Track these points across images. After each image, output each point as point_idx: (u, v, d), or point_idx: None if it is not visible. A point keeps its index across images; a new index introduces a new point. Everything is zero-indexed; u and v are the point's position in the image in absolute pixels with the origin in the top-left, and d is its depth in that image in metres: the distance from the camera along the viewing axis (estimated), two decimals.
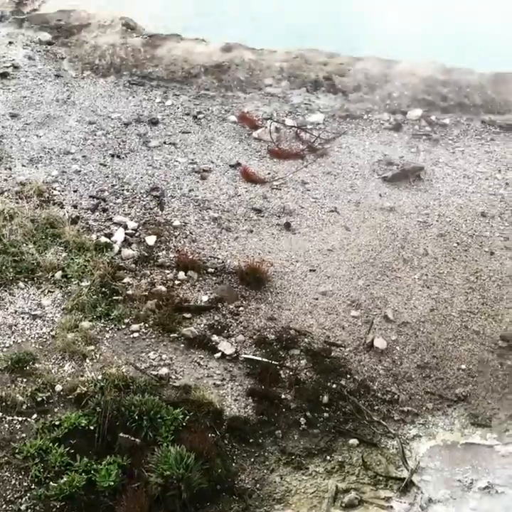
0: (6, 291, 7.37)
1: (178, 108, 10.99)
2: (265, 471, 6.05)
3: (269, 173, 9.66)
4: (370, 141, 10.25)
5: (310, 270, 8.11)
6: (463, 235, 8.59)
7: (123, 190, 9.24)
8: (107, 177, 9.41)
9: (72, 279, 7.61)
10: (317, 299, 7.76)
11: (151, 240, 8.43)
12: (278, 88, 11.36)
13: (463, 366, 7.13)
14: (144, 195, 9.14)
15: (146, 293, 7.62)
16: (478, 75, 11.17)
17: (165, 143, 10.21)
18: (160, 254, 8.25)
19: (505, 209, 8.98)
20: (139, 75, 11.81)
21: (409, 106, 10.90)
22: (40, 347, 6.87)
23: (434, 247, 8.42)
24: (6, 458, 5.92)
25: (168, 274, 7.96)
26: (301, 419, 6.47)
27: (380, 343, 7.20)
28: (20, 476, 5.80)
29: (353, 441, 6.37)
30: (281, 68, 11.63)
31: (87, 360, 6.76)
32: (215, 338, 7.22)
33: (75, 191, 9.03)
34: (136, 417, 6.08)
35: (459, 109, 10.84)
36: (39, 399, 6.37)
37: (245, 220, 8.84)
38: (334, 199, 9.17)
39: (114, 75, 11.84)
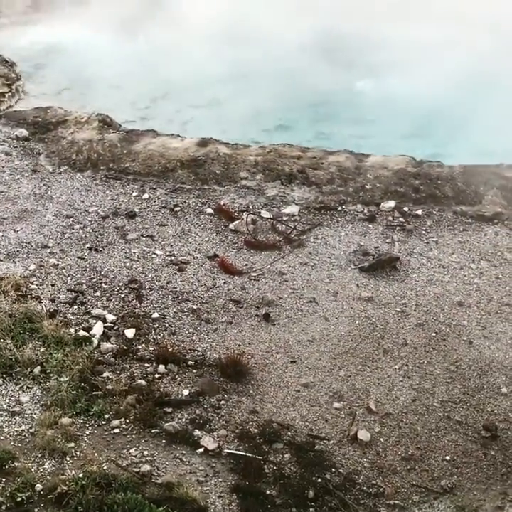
0: None
1: (155, 201, 11.12)
2: None
3: (246, 265, 9.74)
4: (345, 232, 10.42)
5: (291, 361, 8.10)
6: (441, 325, 8.67)
7: (101, 283, 9.24)
8: (85, 270, 9.42)
9: (51, 375, 7.50)
10: (299, 390, 7.72)
11: (130, 333, 8.38)
12: (253, 181, 11.56)
13: (447, 457, 7.08)
14: (123, 288, 9.14)
15: (126, 387, 7.53)
16: (448, 168, 11.49)
17: (142, 235, 10.28)
18: (139, 347, 8.19)
19: (481, 298, 9.10)
20: (116, 170, 11.96)
21: (382, 197, 11.12)
22: (19, 445, 6.71)
23: (413, 337, 8.47)
24: None
25: (148, 367, 7.89)
26: None
27: (363, 435, 7.14)
28: None
29: None
30: (256, 162, 11.87)
31: (68, 458, 6.60)
32: (197, 432, 7.12)
33: (52, 285, 9.00)
34: None
35: (431, 201, 11.10)
36: (19, 499, 6.18)
37: (224, 311, 8.85)
38: (312, 289, 9.24)
39: (91, 170, 11.99)
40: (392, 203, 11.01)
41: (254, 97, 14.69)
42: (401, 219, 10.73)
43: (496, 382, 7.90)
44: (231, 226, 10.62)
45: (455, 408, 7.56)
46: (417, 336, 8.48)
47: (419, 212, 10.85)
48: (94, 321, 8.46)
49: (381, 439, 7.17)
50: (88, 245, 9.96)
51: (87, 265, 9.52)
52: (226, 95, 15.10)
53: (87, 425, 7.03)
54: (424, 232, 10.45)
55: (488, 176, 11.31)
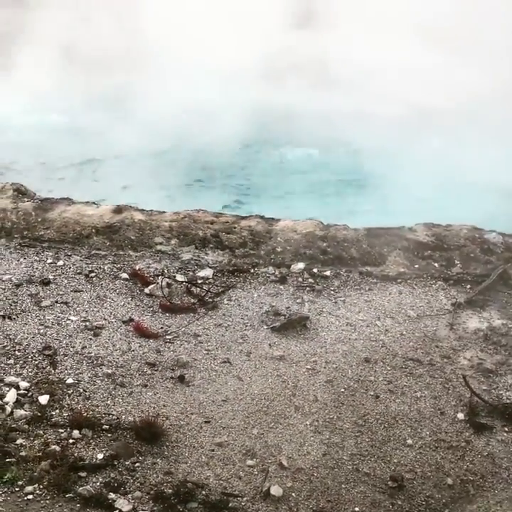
0: None
1: (69, 268, 11.24)
2: None
3: (161, 328, 9.93)
4: (257, 293, 10.74)
5: (205, 422, 8.27)
6: (349, 381, 9.01)
7: (15, 350, 9.26)
8: None
9: None
10: (213, 450, 7.88)
11: (44, 399, 8.42)
12: (168, 246, 11.83)
13: (356, 509, 7.32)
14: (36, 355, 9.19)
15: (40, 453, 7.55)
16: (354, 231, 12.02)
17: (57, 302, 10.36)
18: (54, 413, 8.23)
19: (387, 354, 9.51)
20: (31, 238, 12.05)
21: (292, 260, 11.54)
22: None
23: (323, 393, 8.77)
24: None
25: (62, 433, 7.93)
26: None
27: (276, 490, 7.33)
28: None
29: None
30: (170, 227, 12.16)
31: None
32: (111, 495, 7.18)
33: None
34: None
35: (338, 262, 11.57)
36: None
37: (139, 374, 8.98)
38: (226, 350, 9.48)
39: (4, 239, 12.04)
40: (301, 265, 11.42)
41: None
42: (310, 280, 11.13)
43: (402, 434, 8.24)
44: (146, 290, 10.81)
45: (363, 460, 7.84)
46: (327, 392, 8.78)
47: (328, 273, 11.28)
48: (8, 389, 8.47)
49: (293, 494, 7.38)
50: (1, 313, 9.97)
51: (0, 333, 9.52)
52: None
53: (0, 492, 7.00)
54: (332, 292, 10.86)
55: (391, 237, 11.88)
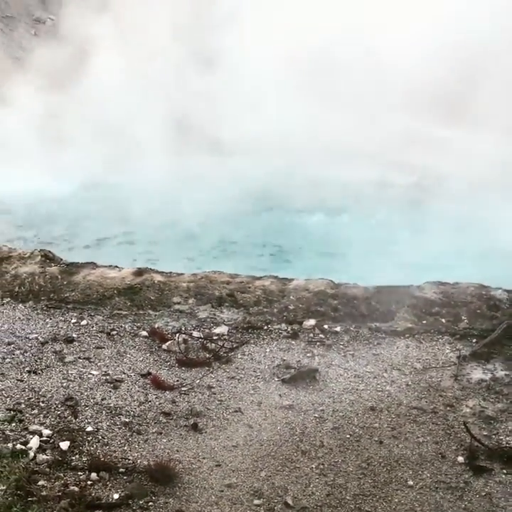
0: None
1: (92, 327, 11.87)
2: None
3: (177, 380, 10.46)
4: (270, 348, 11.25)
5: (216, 465, 8.71)
6: (355, 427, 9.42)
7: (39, 402, 9.83)
8: (24, 391, 10.01)
9: None
10: (222, 490, 8.31)
11: (64, 445, 8.94)
12: (185, 305, 12.44)
13: None
14: (59, 406, 9.75)
15: (60, 493, 8.03)
16: (363, 289, 12.55)
17: (80, 358, 10.96)
18: (73, 458, 8.74)
19: (392, 403, 9.92)
20: (56, 299, 12.74)
21: (304, 317, 12.06)
22: None
23: (329, 439, 9.19)
24: None
25: (80, 475, 8.43)
26: None
27: None
28: None
29: None
30: (188, 288, 12.79)
31: None
32: None
33: None
34: None
35: (348, 318, 12.07)
36: None
37: (155, 423, 9.49)
38: (238, 400, 9.96)
39: (32, 301, 12.75)
40: (312, 322, 11.94)
41: None
42: (321, 335, 11.63)
43: (404, 475, 8.60)
44: (164, 346, 11.39)
45: (365, 500, 8.21)
46: (333, 438, 9.19)
47: (338, 329, 11.78)
48: (31, 436, 9.01)
49: None
50: (27, 368, 10.58)
51: (26, 386, 10.12)
52: None
53: None
54: (341, 346, 11.34)
55: (399, 295, 12.37)
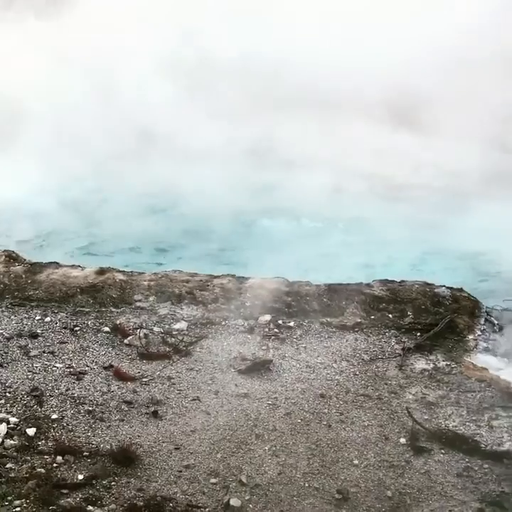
0: None
1: (56, 323, 12.34)
2: None
3: (139, 372, 11.01)
4: (227, 342, 11.86)
5: (175, 448, 9.31)
6: (305, 413, 10.08)
7: (5, 392, 10.31)
8: None
9: None
10: (181, 471, 8.90)
11: (31, 431, 9.45)
12: (146, 303, 12.98)
13: None
14: (25, 396, 10.23)
15: (27, 475, 8.54)
16: (315, 286, 13.23)
17: (44, 352, 11.45)
18: (40, 443, 9.25)
19: (340, 391, 10.60)
20: (21, 298, 13.18)
21: (260, 313, 12.69)
22: None
23: (282, 424, 9.83)
24: None
25: (47, 458, 8.95)
26: None
27: (235, 502, 8.32)
28: None
29: None
30: (149, 286, 13.33)
31: None
32: (90, 508, 8.16)
33: None
34: None
35: (301, 314, 12.73)
36: None
37: (117, 411, 10.04)
38: (196, 390, 10.56)
39: None
40: (268, 317, 12.58)
41: None
42: (276, 330, 12.27)
43: (350, 456, 9.28)
44: (126, 341, 11.92)
45: (314, 478, 8.86)
46: (285, 423, 9.84)
47: (291, 324, 12.43)
48: None
49: (250, 505, 8.37)
50: None
51: None
52: None
53: None
54: (295, 339, 11.99)
55: (349, 292, 13.07)
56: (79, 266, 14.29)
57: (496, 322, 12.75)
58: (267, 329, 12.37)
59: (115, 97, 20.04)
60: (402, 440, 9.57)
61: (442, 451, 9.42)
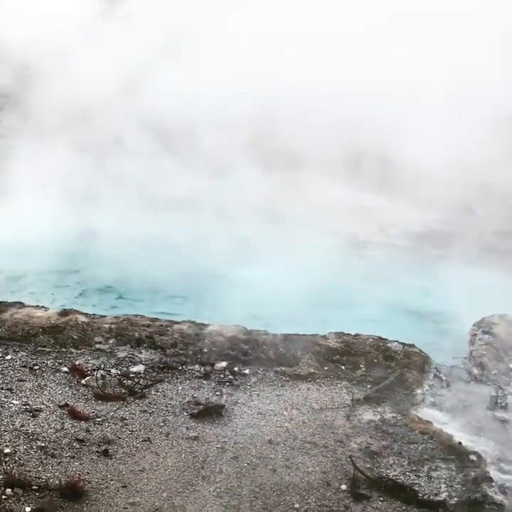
0: None
1: (16, 361, 12.62)
2: None
3: (93, 412, 11.29)
4: (182, 386, 12.19)
5: (122, 486, 9.56)
6: (252, 457, 10.40)
7: None
8: None
9: None
10: (126, 508, 9.17)
11: None
12: (106, 345, 13.30)
13: None
14: None
15: None
16: (272, 336, 13.63)
17: (2, 389, 11.70)
18: None
19: (288, 437, 10.94)
20: None
21: (216, 359, 13.05)
22: None
23: (228, 467, 10.14)
24: None
25: None
26: None
27: None
28: None
29: None
30: (110, 329, 13.67)
31: None
32: None
33: None
34: None
35: (257, 362, 13.10)
36: None
37: (69, 448, 10.31)
38: (148, 431, 10.85)
39: None
40: (224, 364, 12.94)
41: None
42: (230, 376, 12.62)
43: (292, 500, 9.59)
44: (83, 381, 12.20)
45: None
46: (231, 466, 10.14)
47: (247, 371, 12.79)
48: None
49: None
50: None
51: None
52: None
53: None
54: (248, 387, 12.35)
55: (304, 343, 13.49)
56: (43, 306, 14.61)
57: (444, 378, 13.18)
58: (222, 375, 12.71)
59: None
60: (344, 487, 9.91)
61: (381, 498, 9.76)
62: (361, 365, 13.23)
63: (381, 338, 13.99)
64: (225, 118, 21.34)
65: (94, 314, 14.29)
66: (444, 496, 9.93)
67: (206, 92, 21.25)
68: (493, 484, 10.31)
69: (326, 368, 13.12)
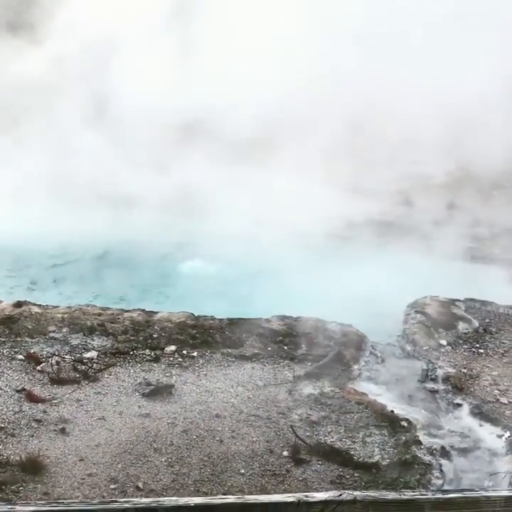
0: None
1: None
2: None
3: (49, 395, 11.93)
4: (134, 369, 12.90)
5: (79, 460, 10.26)
6: (201, 430, 11.18)
7: None
8: None
9: None
10: (84, 479, 9.86)
11: None
12: (60, 333, 13.93)
13: None
14: None
15: None
16: (219, 320, 14.43)
17: None
18: None
19: (234, 412, 11.75)
20: None
21: (166, 344, 13.79)
22: None
23: (178, 439, 10.90)
24: None
25: None
26: None
27: None
28: None
29: None
30: (63, 318, 14.29)
31: None
32: None
33: None
34: None
35: (204, 345, 13.88)
36: None
37: (28, 428, 10.95)
38: (102, 411, 11.54)
39: None
40: (173, 347, 13.68)
41: None
42: (180, 359, 13.38)
43: (237, 466, 10.41)
44: (38, 368, 12.83)
45: (204, 484, 9.95)
46: (182, 439, 10.91)
47: (195, 354, 13.56)
48: None
49: None
50: None
51: None
52: None
53: None
54: (197, 368, 13.12)
55: (249, 326, 14.32)
56: None
57: (379, 355, 14.14)
58: (171, 358, 13.46)
59: None
60: (285, 453, 10.76)
61: (319, 462, 10.64)
62: (302, 345, 14.11)
63: (320, 320, 14.89)
64: None
65: (47, 305, 14.88)
66: (377, 458, 10.85)
67: None
68: (422, 447, 11.25)
69: (269, 348, 13.96)
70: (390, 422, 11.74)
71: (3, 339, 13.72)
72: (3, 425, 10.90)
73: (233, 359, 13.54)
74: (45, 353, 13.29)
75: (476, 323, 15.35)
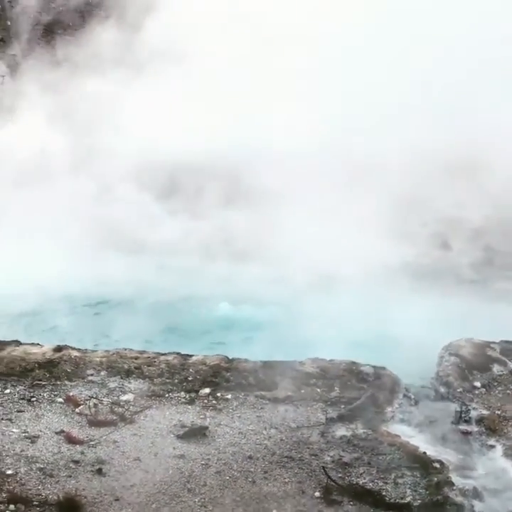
0: None
1: (15, 395, 13.60)
2: None
3: (87, 437, 12.27)
4: (169, 412, 13.17)
5: (115, 500, 10.53)
6: (234, 471, 11.38)
7: None
8: None
9: None
10: None
11: None
12: (98, 377, 14.30)
13: None
14: None
15: None
16: (253, 363, 14.67)
17: (2, 419, 12.67)
18: None
19: (267, 453, 11.92)
20: None
21: (200, 386, 14.06)
22: None
23: (212, 480, 11.11)
24: None
25: (1, 507, 10.10)
26: None
27: None
28: None
29: None
30: (101, 362, 14.68)
31: None
32: None
33: None
34: None
35: (238, 388, 14.11)
36: None
37: (66, 468, 11.27)
38: (138, 452, 11.82)
39: None
40: (207, 390, 13.95)
41: None
42: (214, 401, 13.62)
43: (270, 506, 10.57)
44: (77, 410, 13.19)
45: None
46: (215, 479, 11.12)
47: (229, 396, 13.80)
48: None
49: None
50: None
51: None
52: None
53: None
54: (230, 410, 13.34)
55: (283, 369, 14.53)
56: (38, 344, 15.63)
57: (412, 397, 14.21)
58: (206, 401, 13.71)
59: None
60: (317, 494, 10.89)
61: (351, 503, 10.75)
62: (336, 388, 14.26)
63: (354, 363, 15.02)
64: None
65: (86, 349, 15.30)
66: (408, 499, 10.92)
67: None
68: (455, 488, 11.28)
69: (302, 391, 14.13)
70: (422, 463, 11.80)
71: (44, 382, 14.14)
72: (42, 466, 11.23)
73: (267, 401, 13.73)
74: (83, 395, 13.66)
75: (511, 366, 15.34)
